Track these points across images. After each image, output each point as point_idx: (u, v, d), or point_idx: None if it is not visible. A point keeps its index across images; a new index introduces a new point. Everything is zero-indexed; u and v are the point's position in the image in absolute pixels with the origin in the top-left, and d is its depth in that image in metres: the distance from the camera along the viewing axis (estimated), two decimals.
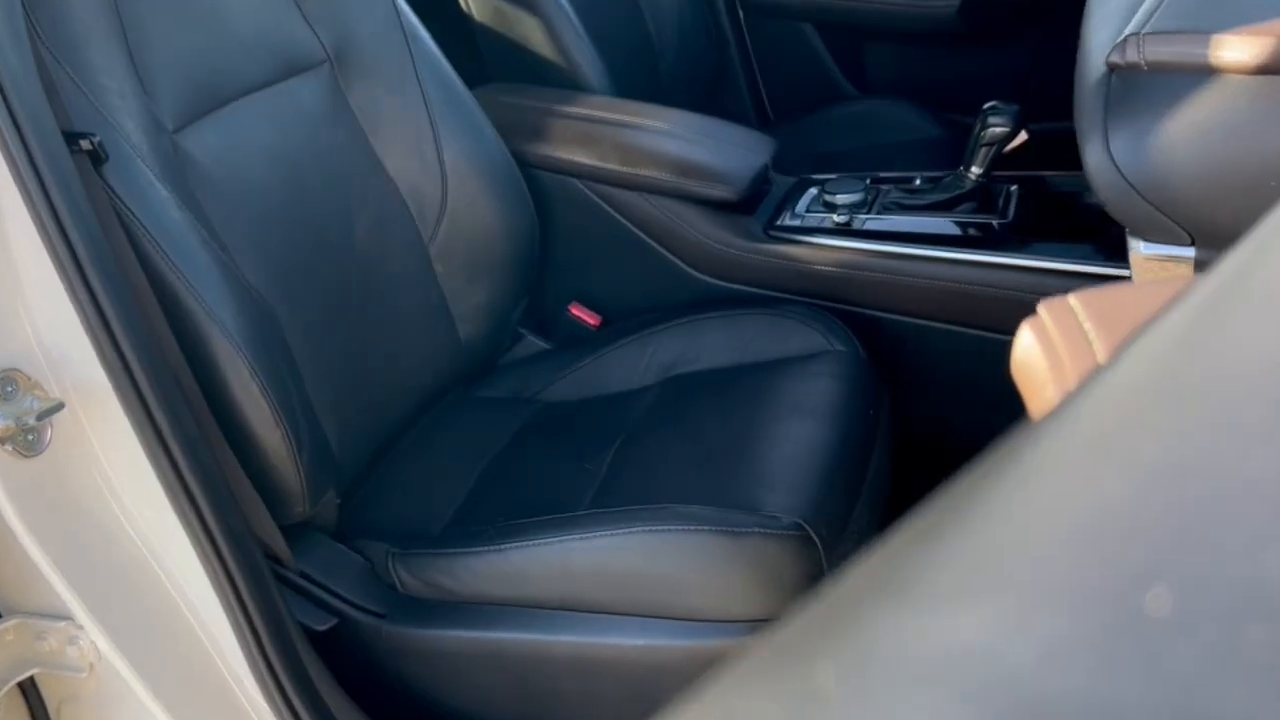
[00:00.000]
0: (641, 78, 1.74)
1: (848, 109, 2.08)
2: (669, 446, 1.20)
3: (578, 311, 1.51)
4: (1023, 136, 1.34)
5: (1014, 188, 1.41)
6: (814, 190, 1.52)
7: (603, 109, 1.53)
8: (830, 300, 1.39)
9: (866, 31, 2.15)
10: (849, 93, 2.17)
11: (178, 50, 1.11)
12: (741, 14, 2.23)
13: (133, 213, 0.95)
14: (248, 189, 1.17)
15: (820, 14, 2.15)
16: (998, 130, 1.33)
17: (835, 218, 1.41)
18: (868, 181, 1.52)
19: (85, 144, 0.91)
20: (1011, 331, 1.28)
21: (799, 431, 1.17)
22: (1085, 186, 1.47)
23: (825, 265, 1.38)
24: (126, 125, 0.99)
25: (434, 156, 1.36)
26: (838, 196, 1.45)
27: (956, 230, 1.36)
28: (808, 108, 2.15)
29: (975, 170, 1.38)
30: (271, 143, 1.21)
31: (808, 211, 1.45)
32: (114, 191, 0.94)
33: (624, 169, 1.44)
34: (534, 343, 1.52)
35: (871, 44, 2.17)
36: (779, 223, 1.44)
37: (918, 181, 1.50)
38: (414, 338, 1.36)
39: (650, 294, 1.48)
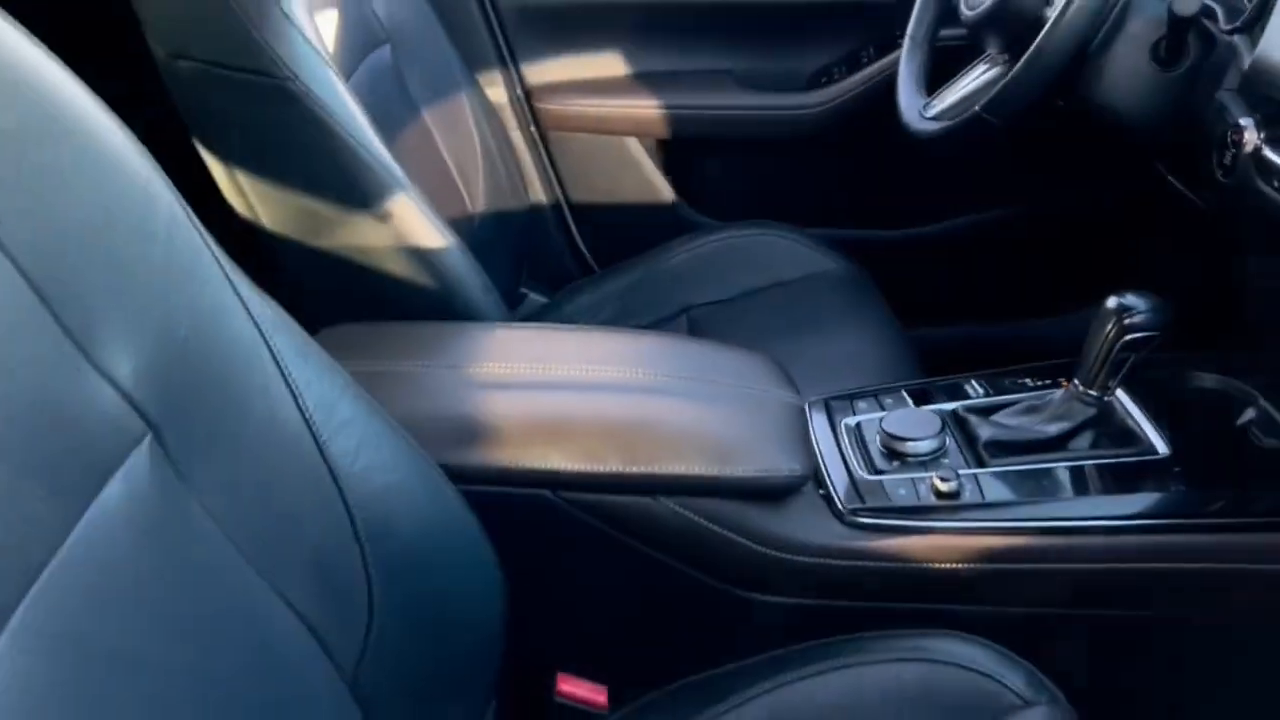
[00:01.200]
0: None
1: (711, 241, 1.63)
2: None
3: (571, 688, 0.96)
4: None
5: (1120, 391, 1.06)
6: (848, 422, 1.07)
7: (547, 360, 0.98)
8: (951, 604, 0.96)
9: (709, 144, 1.73)
10: (696, 220, 1.74)
11: None
12: (536, 131, 1.73)
13: None
14: None
15: (648, 126, 1.70)
16: (1139, 336, 0.96)
17: (938, 484, 0.97)
18: (908, 399, 1.10)
19: None
20: (1240, 613, 0.80)
21: None
22: (1200, 366, 1.15)
23: (946, 563, 0.95)
24: None
25: (347, 537, 0.77)
26: (908, 444, 1.01)
27: (1114, 481, 0.98)
28: (639, 246, 1.69)
29: (1097, 388, 1.00)
30: (102, 619, 0.58)
31: (879, 473, 1.00)
32: None
33: (632, 470, 0.91)
34: None
35: (711, 157, 1.75)
36: (849, 501, 0.98)
37: (975, 386, 1.11)
38: None
39: (685, 640, 0.97)
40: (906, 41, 1.41)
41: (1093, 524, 0.94)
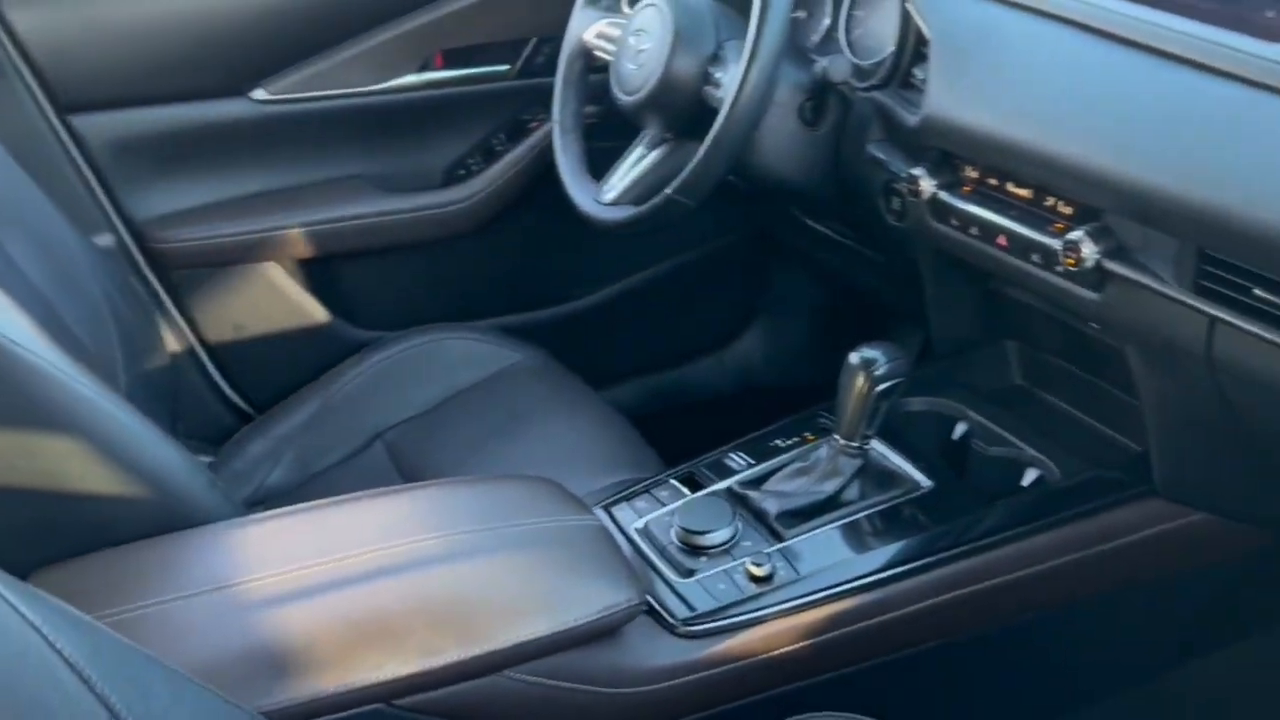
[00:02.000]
0: None
1: (383, 357, 1.51)
2: None
3: None
4: None
5: (868, 431, 1.11)
6: (636, 525, 1.05)
7: (327, 551, 0.85)
8: (800, 682, 0.97)
9: (356, 255, 1.61)
10: (360, 338, 1.62)
11: None
12: (154, 274, 1.53)
13: None
14: None
15: (284, 247, 1.56)
16: (889, 385, 1.02)
17: (752, 569, 0.97)
18: (682, 488, 1.10)
19: None
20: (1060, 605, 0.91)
21: None
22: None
23: (782, 647, 0.95)
24: None
25: None
26: (706, 536, 1.01)
27: (899, 524, 1.03)
28: (303, 378, 1.54)
29: (858, 440, 1.05)
30: None
31: (690, 574, 0.98)
32: None
33: (474, 652, 0.81)
34: None
35: (361, 268, 1.64)
36: (677, 613, 0.95)
37: (737, 459, 1.13)
38: None
39: None
40: (555, 129, 1.41)
41: (899, 570, 0.99)
